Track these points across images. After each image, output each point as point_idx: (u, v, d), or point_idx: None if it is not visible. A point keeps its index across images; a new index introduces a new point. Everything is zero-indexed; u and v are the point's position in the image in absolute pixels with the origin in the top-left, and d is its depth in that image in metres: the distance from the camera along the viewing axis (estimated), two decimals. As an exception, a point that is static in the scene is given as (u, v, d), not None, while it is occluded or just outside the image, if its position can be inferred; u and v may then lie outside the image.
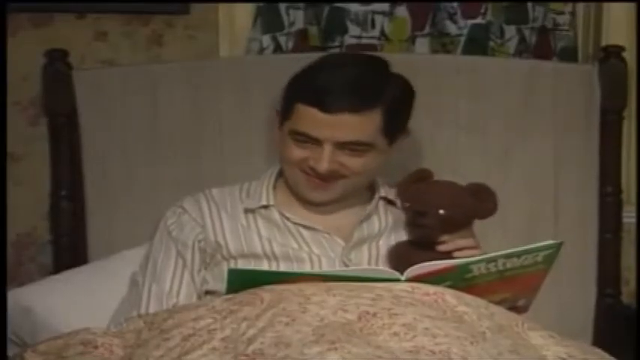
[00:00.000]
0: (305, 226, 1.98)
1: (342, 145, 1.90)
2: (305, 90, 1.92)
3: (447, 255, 1.86)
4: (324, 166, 1.90)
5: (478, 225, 1.97)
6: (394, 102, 1.93)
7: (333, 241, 1.98)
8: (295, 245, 1.97)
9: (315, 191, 1.96)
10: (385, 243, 2.00)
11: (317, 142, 1.91)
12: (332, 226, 1.99)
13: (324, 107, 1.88)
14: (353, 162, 1.92)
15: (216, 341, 1.54)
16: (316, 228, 1.98)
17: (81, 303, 2.06)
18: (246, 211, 2.00)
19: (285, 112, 1.96)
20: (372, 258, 1.98)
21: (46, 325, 2.02)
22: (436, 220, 1.89)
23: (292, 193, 2.01)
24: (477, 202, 1.92)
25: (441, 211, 1.89)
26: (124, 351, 1.64)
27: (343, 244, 1.97)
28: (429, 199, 1.91)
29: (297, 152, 1.93)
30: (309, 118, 1.90)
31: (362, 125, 1.90)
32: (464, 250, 1.88)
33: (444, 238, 1.90)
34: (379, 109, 1.91)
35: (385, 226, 2.02)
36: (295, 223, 1.98)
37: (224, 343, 1.54)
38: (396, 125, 1.96)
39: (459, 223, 1.91)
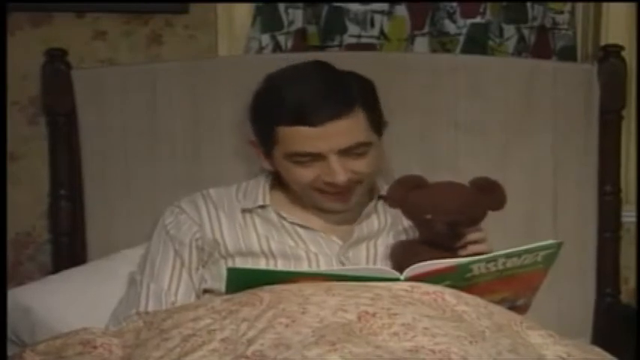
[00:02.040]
0: (301, 226, 1.99)
1: (345, 152, 1.90)
2: (281, 112, 1.91)
3: (453, 250, 1.85)
4: (341, 178, 1.90)
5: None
6: (365, 96, 1.94)
7: (329, 240, 1.98)
8: (292, 243, 1.97)
9: (336, 203, 1.96)
10: (383, 242, 2.00)
11: (319, 157, 1.90)
12: (329, 226, 2.00)
13: (310, 122, 1.88)
14: (360, 165, 1.92)
15: (216, 342, 1.54)
16: (312, 227, 1.98)
17: (80, 302, 2.06)
18: (244, 210, 2.00)
19: (267, 139, 1.94)
20: (370, 257, 1.98)
21: (45, 325, 2.03)
22: (446, 226, 1.85)
23: (290, 194, 2.02)
24: (485, 197, 1.89)
25: (450, 217, 1.84)
26: (123, 351, 1.64)
27: (340, 243, 1.97)
28: (435, 206, 1.86)
29: (306, 173, 1.93)
30: (300, 137, 1.89)
31: (353, 127, 1.90)
32: (471, 246, 1.87)
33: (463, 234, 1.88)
34: (359, 107, 1.91)
35: (384, 225, 2.03)
36: (292, 223, 1.99)
37: (224, 344, 1.54)
38: (377, 117, 1.97)
39: (471, 222, 1.89)
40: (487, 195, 1.89)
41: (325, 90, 1.91)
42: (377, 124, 1.97)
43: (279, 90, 1.94)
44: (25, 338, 2.04)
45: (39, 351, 1.67)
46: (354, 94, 1.92)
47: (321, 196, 1.95)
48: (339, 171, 1.89)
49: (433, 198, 1.87)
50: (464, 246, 1.86)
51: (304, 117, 1.88)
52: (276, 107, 1.92)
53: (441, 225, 1.84)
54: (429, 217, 1.85)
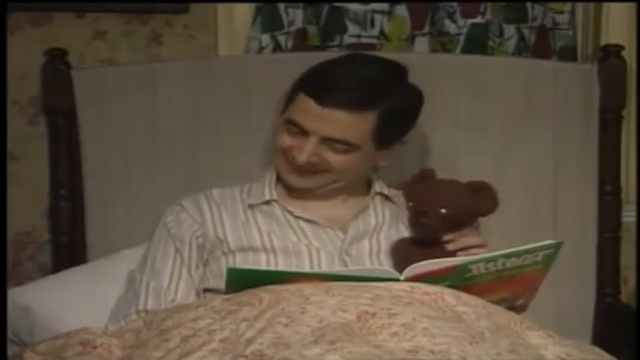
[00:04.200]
0: (306, 220, 1.99)
1: (327, 141, 1.92)
2: (309, 80, 1.96)
3: (451, 254, 1.86)
4: (302, 157, 1.93)
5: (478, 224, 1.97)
6: (392, 109, 1.93)
7: (333, 235, 1.99)
8: (294, 238, 1.97)
9: (292, 175, 1.99)
10: (386, 237, 2.00)
11: (305, 133, 1.93)
12: (328, 216, 2.01)
13: (320, 100, 1.91)
14: (333, 158, 1.94)
15: (216, 342, 1.54)
16: (317, 222, 1.99)
17: (80, 302, 2.06)
18: (248, 207, 2.02)
19: (289, 99, 1.98)
20: (373, 252, 1.99)
21: (45, 325, 2.03)
22: (437, 219, 1.89)
23: (287, 186, 2.03)
24: (477, 200, 1.93)
25: (442, 210, 1.89)
26: (123, 351, 1.64)
27: (342, 237, 1.98)
28: (429, 199, 1.92)
29: (286, 140, 1.96)
30: (304, 108, 1.93)
31: (353, 125, 1.91)
32: (470, 249, 1.88)
33: (448, 237, 1.90)
34: (374, 113, 1.92)
35: (382, 221, 2.03)
36: (297, 217, 2.00)
37: (223, 344, 1.53)
38: (388, 132, 1.96)
39: (460, 222, 1.91)
40: (479, 199, 1.92)
41: (356, 82, 1.93)
42: (384, 137, 1.96)
43: (330, 64, 1.99)
44: (25, 338, 2.04)
45: (39, 351, 1.67)
46: (380, 102, 1.92)
47: (285, 166, 1.99)
48: (306, 152, 1.93)
49: (431, 190, 1.93)
50: (463, 249, 1.87)
51: (319, 94, 1.91)
52: (312, 76, 1.97)
53: (432, 216, 1.88)
54: (423, 208, 1.89)
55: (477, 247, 1.89)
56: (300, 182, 1.99)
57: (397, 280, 1.70)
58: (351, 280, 1.69)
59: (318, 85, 1.93)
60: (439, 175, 2.03)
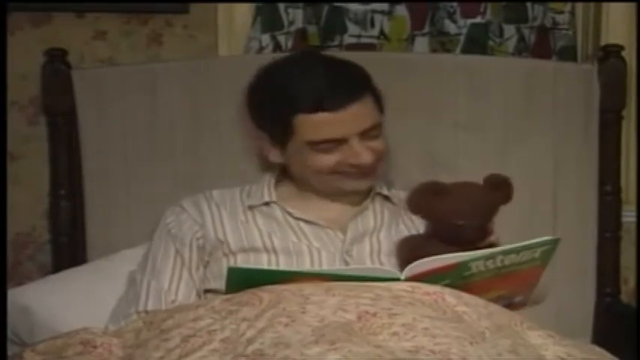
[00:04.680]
0: (306, 221, 2.00)
1: (363, 134, 1.95)
2: (299, 102, 1.93)
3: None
4: (367, 158, 1.95)
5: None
6: (368, 79, 2.01)
7: (334, 235, 1.99)
8: (295, 239, 1.98)
9: (361, 181, 2.00)
10: (386, 237, 2.01)
11: (341, 141, 1.94)
12: (328, 217, 2.01)
13: (330, 107, 1.92)
14: (377, 144, 1.98)
15: (216, 342, 1.54)
16: (317, 223, 1.99)
17: (80, 302, 2.07)
18: (248, 208, 2.02)
19: (283, 130, 1.96)
20: (373, 252, 1.99)
21: (45, 325, 2.03)
22: (477, 230, 1.87)
23: (297, 189, 2.04)
24: (501, 194, 1.91)
25: (478, 220, 1.87)
26: (123, 351, 1.64)
27: (342, 237, 1.99)
28: (463, 211, 1.87)
29: (328, 159, 1.95)
30: (321, 123, 1.93)
31: (367, 110, 1.96)
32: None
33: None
34: (366, 91, 1.98)
35: (381, 222, 2.03)
36: (296, 218, 2.00)
37: (224, 344, 1.54)
38: (380, 101, 2.03)
39: (491, 219, 1.91)
40: (499, 191, 1.91)
41: (339, 76, 1.97)
42: (380, 104, 2.02)
43: (291, 80, 1.97)
44: (25, 338, 2.04)
45: (39, 351, 1.67)
46: (361, 79, 1.99)
47: (343, 179, 1.98)
48: (364, 152, 1.95)
49: (459, 203, 1.88)
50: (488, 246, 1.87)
51: (325, 104, 1.92)
52: (294, 97, 1.94)
53: (470, 230, 1.86)
54: (460, 223, 1.86)
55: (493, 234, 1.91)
56: (368, 182, 2.02)
57: (398, 279, 1.70)
58: (351, 279, 1.69)
59: (314, 98, 1.92)
60: (439, 175, 2.03)
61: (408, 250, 1.90)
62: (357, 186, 2.01)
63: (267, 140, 2.03)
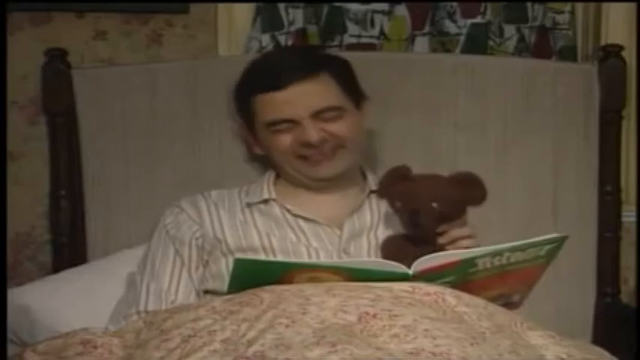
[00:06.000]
0: (304, 218, 2.00)
1: (317, 115, 1.96)
2: (254, 81, 2.03)
3: (442, 248, 1.85)
4: (313, 136, 1.96)
5: (477, 224, 1.97)
6: (338, 67, 2.03)
7: (331, 233, 1.99)
8: (294, 238, 1.98)
9: (320, 167, 2.00)
10: (383, 233, 2.01)
11: (294, 122, 1.97)
12: (326, 214, 2.01)
13: (277, 85, 1.97)
14: (337, 127, 1.98)
15: (217, 343, 1.54)
16: (316, 220, 2.00)
17: (80, 302, 2.06)
18: (247, 205, 2.03)
19: (247, 113, 2.05)
20: (371, 249, 1.99)
21: (45, 325, 2.03)
22: (431, 216, 1.87)
23: (292, 185, 2.04)
24: (466, 191, 1.91)
25: (434, 205, 1.86)
26: (123, 351, 1.64)
27: (339, 233, 1.99)
28: (419, 196, 1.88)
29: (284, 139, 1.99)
30: (271, 103, 1.98)
31: (321, 91, 1.98)
32: (459, 241, 1.87)
33: (442, 228, 1.89)
34: (326, 74, 1.99)
35: (378, 219, 2.04)
36: (295, 215, 2.00)
37: (224, 345, 1.53)
38: (352, 88, 2.04)
39: (452, 215, 1.90)
40: (467, 189, 1.90)
41: (288, 55, 2.08)
42: (353, 94, 2.03)
43: (250, 64, 2.09)
44: (24, 338, 2.04)
45: (39, 351, 1.67)
46: (322, 63, 2.02)
47: (305, 163, 2.00)
48: (311, 130, 1.96)
49: (420, 187, 1.89)
50: (452, 242, 1.87)
51: (272, 82, 1.97)
52: (252, 78, 2.04)
53: (426, 214, 1.85)
54: (416, 208, 1.87)
55: (467, 239, 1.88)
56: (328, 169, 2.01)
57: (406, 274, 1.69)
58: (359, 272, 1.69)
59: (264, 77, 1.99)
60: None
61: (394, 250, 1.91)
62: (319, 172, 2.00)
63: (245, 129, 2.10)
